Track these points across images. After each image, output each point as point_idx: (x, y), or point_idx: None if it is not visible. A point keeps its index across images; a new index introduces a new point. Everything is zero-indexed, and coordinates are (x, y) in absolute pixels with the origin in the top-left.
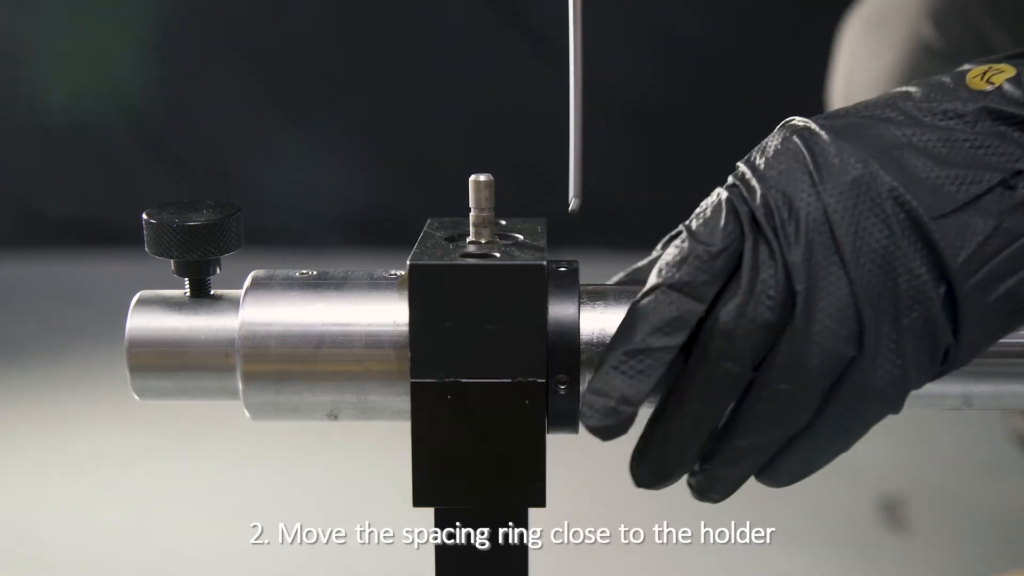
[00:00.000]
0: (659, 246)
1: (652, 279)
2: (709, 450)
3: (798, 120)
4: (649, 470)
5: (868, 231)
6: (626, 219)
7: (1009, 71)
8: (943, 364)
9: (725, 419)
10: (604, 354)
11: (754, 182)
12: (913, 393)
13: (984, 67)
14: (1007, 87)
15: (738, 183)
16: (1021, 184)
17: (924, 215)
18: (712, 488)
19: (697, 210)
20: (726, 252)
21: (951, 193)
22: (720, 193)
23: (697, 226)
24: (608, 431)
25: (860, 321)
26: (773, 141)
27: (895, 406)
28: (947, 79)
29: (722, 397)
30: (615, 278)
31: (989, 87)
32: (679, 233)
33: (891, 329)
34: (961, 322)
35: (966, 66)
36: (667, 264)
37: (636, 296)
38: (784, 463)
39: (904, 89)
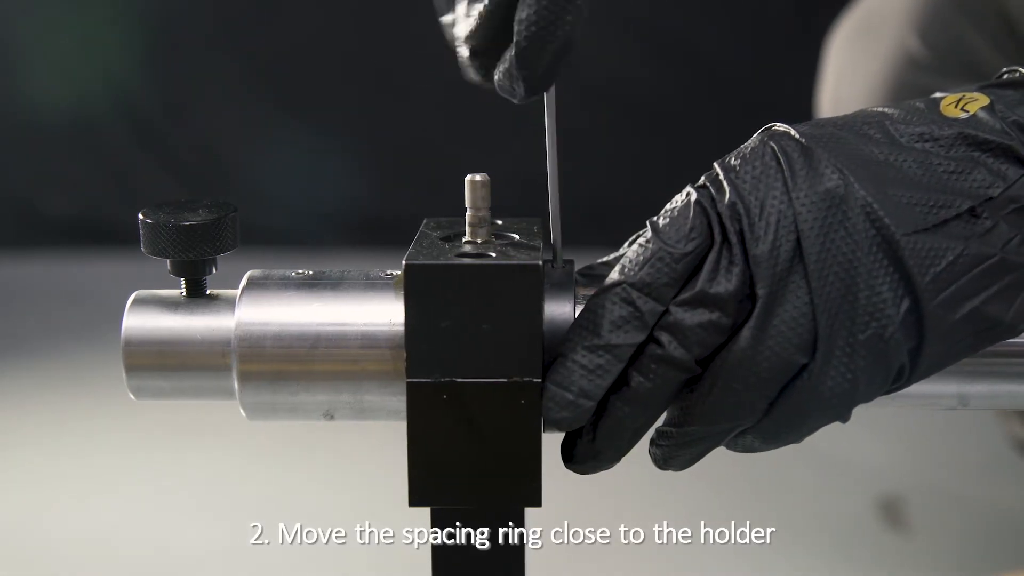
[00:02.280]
0: (626, 244)
1: (615, 275)
2: (665, 431)
3: (779, 126)
4: (581, 451)
5: (835, 243)
6: (624, 219)
7: (983, 99)
8: (896, 382)
9: (680, 405)
10: (564, 346)
11: (725, 184)
12: (910, 392)
13: (958, 95)
14: (982, 115)
15: (708, 184)
16: (986, 213)
17: (896, 232)
18: (669, 464)
19: (666, 207)
20: (690, 255)
21: (922, 214)
22: (690, 193)
23: (663, 225)
24: (566, 423)
25: (815, 331)
26: (751, 145)
27: (841, 416)
28: (921, 104)
29: (661, 385)
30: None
31: (963, 114)
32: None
33: (845, 343)
34: (925, 338)
35: (938, 94)
36: (630, 262)
37: (597, 290)
38: (734, 446)
39: (882, 109)
